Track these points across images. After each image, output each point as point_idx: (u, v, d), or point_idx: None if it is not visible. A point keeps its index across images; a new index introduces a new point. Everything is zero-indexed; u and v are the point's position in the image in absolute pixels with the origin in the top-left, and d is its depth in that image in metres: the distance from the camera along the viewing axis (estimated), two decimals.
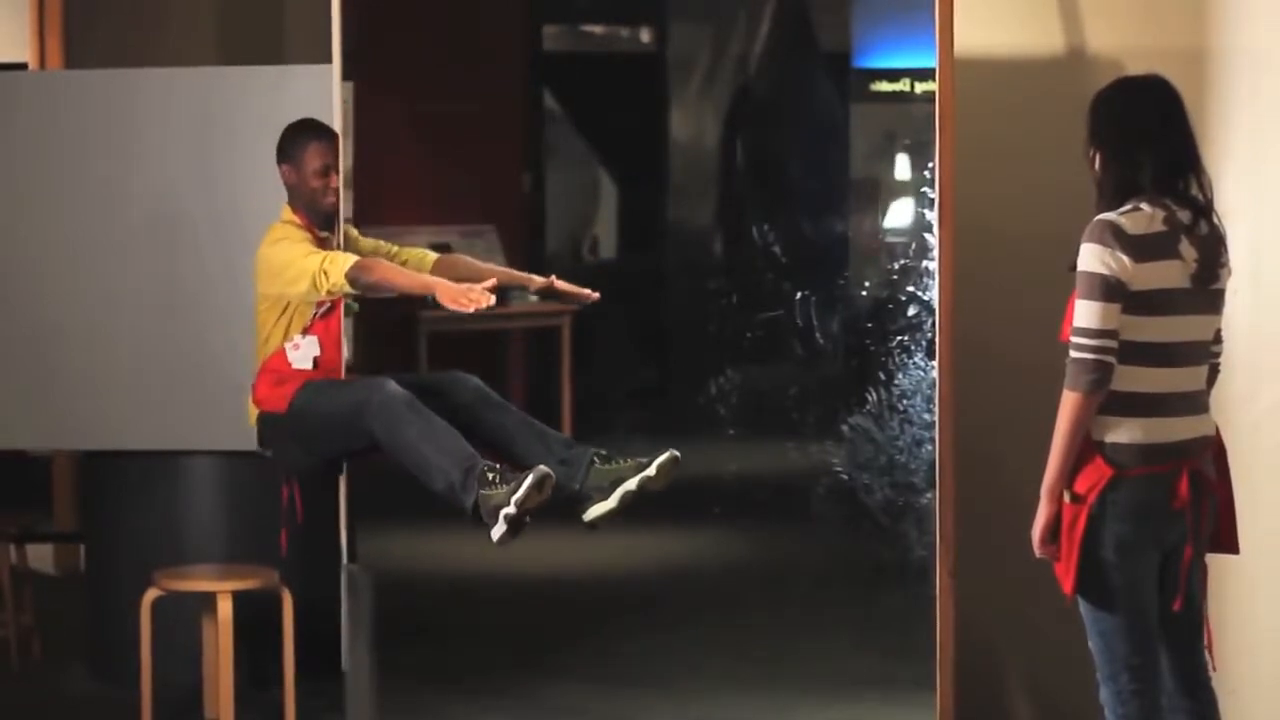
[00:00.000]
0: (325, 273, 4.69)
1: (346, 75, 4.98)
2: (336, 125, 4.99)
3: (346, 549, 4.97)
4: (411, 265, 4.96)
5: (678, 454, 4.66)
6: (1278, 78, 4.96)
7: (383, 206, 8.10)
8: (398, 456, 4.63)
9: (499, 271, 4.95)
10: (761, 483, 6.61)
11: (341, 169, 4.96)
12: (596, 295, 4.94)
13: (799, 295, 6.28)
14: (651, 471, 4.64)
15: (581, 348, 8.31)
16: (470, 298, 4.50)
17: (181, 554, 5.71)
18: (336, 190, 4.93)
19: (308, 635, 5.23)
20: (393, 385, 4.68)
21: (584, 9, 9.24)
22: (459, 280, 4.67)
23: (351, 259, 4.71)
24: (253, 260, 4.95)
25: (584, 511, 4.69)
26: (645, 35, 9.40)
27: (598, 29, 9.43)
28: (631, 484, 4.65)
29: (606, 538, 6.14)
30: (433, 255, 5.02)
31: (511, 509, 4.43)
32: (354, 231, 5.03)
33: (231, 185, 5.63)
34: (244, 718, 5.20)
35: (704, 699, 5.57)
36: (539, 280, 4.94)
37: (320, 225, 4.95)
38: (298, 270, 4.75)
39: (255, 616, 5.27)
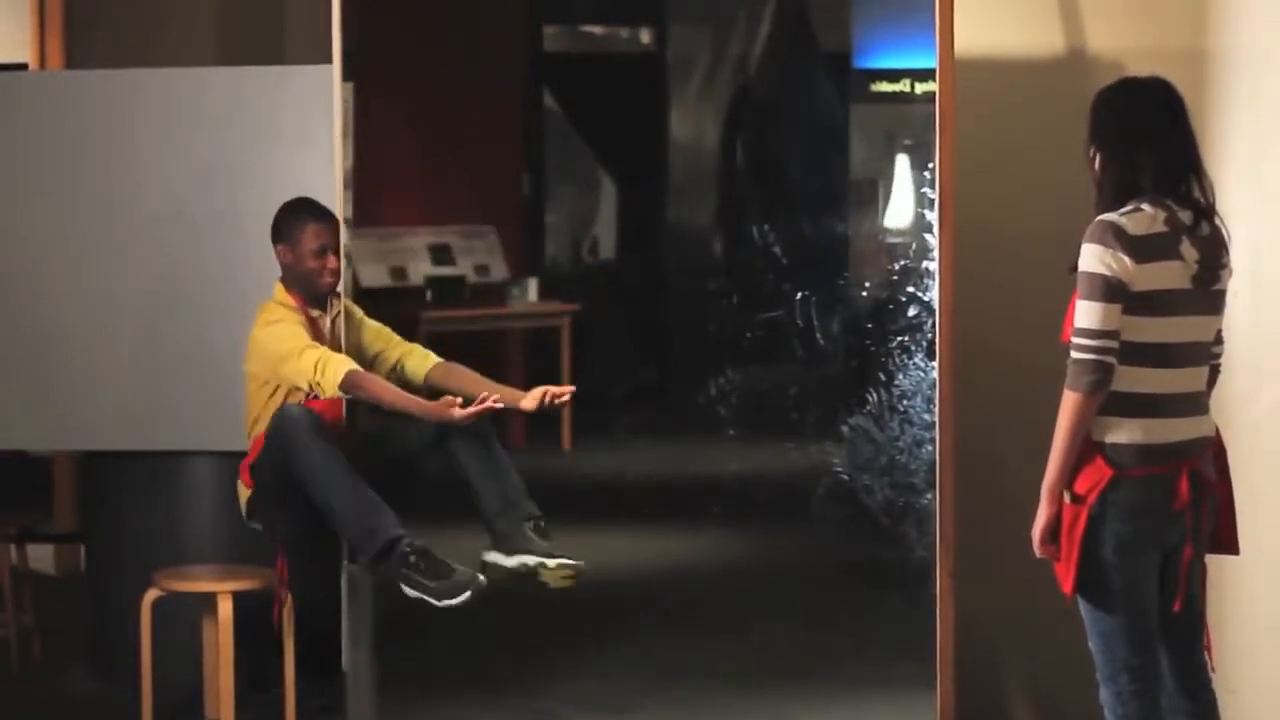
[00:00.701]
0: (319, 383, 4.74)
1: (346, 75, 4.98)
2: (336, 125, 4.98)
3: (347, 549, 4.97)
4: (412, 363, 4.97)
5: (583, 565, 4.78)
6: (1278, 78, 4.96)
7: (382, 206, 8.11)
8: (302, 481, 4.72)
9: (493, 387, 4.86)
10: (761, 483, 6.60)
11: (341, 173, 4.96)
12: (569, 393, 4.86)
13: (799, 295, 6.27)
14: (551, 564, 4.75)
15: (581, 348, 8.31)
16: (452, 413, 4.64)
17: (181, 554, 5.70)
18: (334, 270, 4.93)
19: (308, 635, 5.22)
20: (293, 409, 4.75)
21: (584, 9, 9.23)
22: (452, 388, 4.76)
23: (346, 368, 4.73)
24: (251, 260, 4.93)
25: (488, 551, 4.80)
26: (645, 35, 9.40)
27: (598, 29, 9.43)
28: (530, 561, 4.76)
29: (607, 538, 6.16)
30: (434, 359, 4.99)
31: (437, 604, 4.62)
32: (359, 313, 5.03)
33: (231, 185, 5.62)
34: (244, 718, 5.20)
35: (704, 699, 5.56)
36: (528, 406, 4.85)
37: (313, 304, 4.97)
38: (293, 368, 4.78)
39: (255, 616, 5.27)
